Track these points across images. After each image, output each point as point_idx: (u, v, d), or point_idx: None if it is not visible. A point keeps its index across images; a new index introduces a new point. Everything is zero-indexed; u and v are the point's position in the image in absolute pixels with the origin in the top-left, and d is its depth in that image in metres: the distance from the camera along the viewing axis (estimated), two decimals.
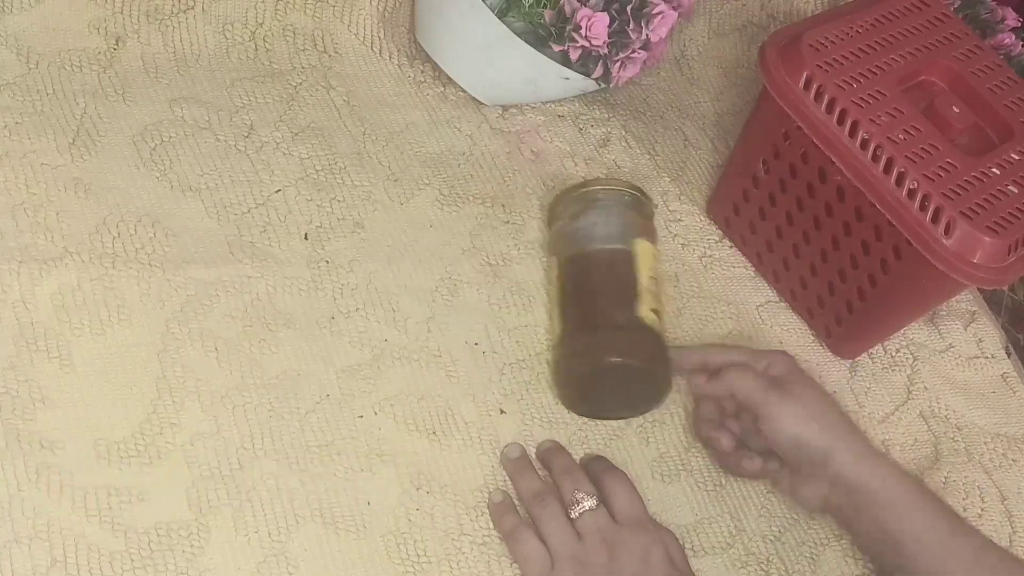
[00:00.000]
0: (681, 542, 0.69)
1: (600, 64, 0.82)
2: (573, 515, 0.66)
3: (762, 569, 0.72)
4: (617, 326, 0.72)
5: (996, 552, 0.67)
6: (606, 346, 0.71)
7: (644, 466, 0.74)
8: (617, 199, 0.77)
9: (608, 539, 0.65)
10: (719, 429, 0.73)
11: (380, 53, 0.88)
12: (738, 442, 0.73)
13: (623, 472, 0.70)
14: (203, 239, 0.74)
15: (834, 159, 0.73)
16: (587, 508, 0.66)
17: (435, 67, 0.87)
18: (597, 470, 0.70)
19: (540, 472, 0.71)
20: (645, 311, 0.72)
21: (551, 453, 0.71)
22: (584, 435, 0.74)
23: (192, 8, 0.84)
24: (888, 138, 0.72)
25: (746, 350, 0.73)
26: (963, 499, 0.80)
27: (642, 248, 0.75)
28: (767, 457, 0.72)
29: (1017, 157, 0.75)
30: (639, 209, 0.78)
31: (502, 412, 0.73)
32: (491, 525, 0.68)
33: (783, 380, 0.70)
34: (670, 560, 0.66)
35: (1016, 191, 0.73)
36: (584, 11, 0.79)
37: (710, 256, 0.87)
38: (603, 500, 0.68)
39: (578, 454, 0.72)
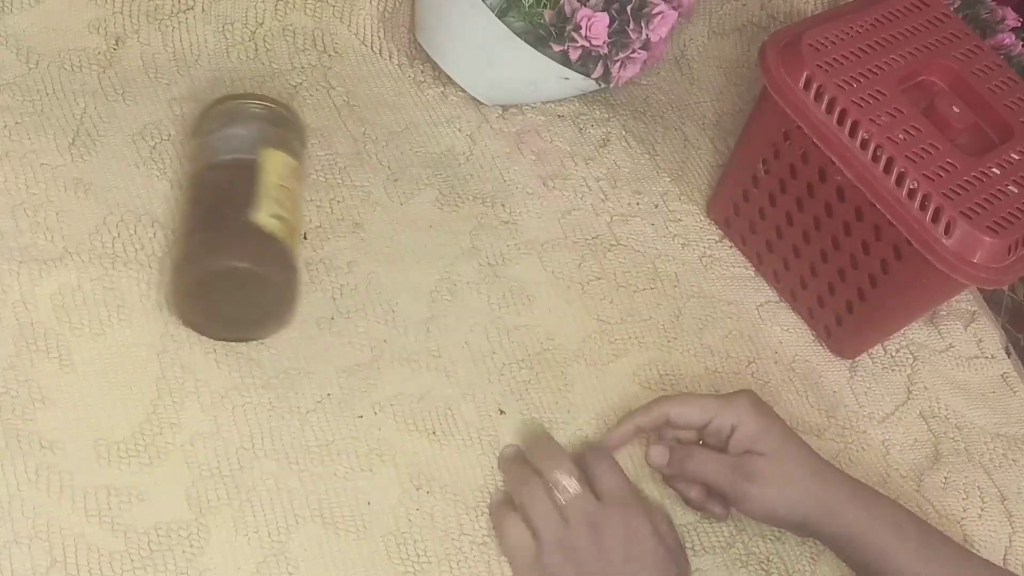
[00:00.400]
0: (669, 515, 0.69)
1: (600, 64, 0.82)
2: (559, 499, 0.66)
3: (762, 568, 0.72)
4: (225, 230, 0.67)
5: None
6: (212, 248, 0.67)
7: (644, 466, 0.74)
8: (250, 112, 0.73)
9: (593, 520, 0.65)
10: (688, 486, 0.72)
11: (380, 53, 0.88)
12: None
13: (606, 450, 0.70)
14: None
15: (834, 159, 0.73)
16: (571, 491, 0.66)
17: (435, 67, 0.87)
18: (582, 452, 0.70)
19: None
20: (264, 217, 0.68)
21: (535, 439, 0.71)
22: (584, 435, 0.74)
23: (192, 8, 0.84)
24: (888, 138, 0.72)
25: (710, 402, 0.70)
26: (963, 499, 0.80)
27: (272, 157, 0.71)
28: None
29: (1017, 157, 0.75)
30: (276, 123, 0.74)
31: (501, 412, 0.73)
32: (491, 525, 0.68)
33: (747, 459, 0.68)
34: (657, 535, 0.65)
35: (1016, 191, 0.73)
36: (584, 11, 0.79)
37: (710, 256, 0.87)
38: (588, 481, 0.67)
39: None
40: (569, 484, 0.66)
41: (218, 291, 0.67)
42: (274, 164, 0.71)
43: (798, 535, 0.71)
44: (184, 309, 0.68)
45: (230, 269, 0.66)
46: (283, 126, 0.74)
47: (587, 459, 0.69)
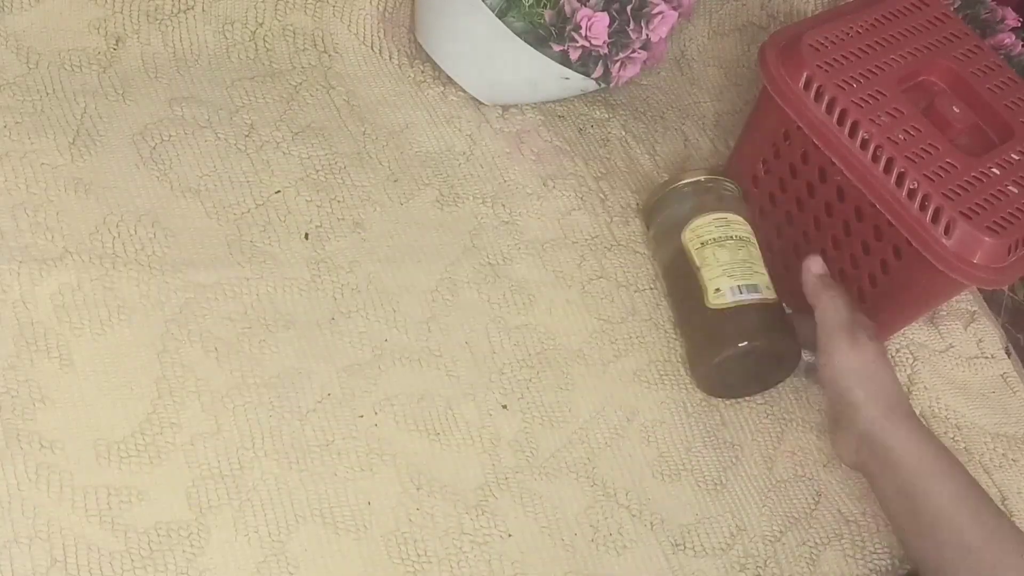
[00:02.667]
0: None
1: (600, 64, 0.82)
2: None
3: (760, 570, 0.72)
4: (700, 326, 0.77)
5: (1015, 531, 0.68)
6: (707, 344, 0.76)
7: (644, 466, 0.74)
8: (675, 195, 0.81)
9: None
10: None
11: (380, 53, 0.88)
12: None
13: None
14: (203, 239, 0.73)
15: (834, 159, 0.73)
16: None
17: (435, 67, 0.87)
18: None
19: None
20: (712, 299, 0.76)
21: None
22: (584, 434, 0.74)
23: (192, 8, 0.84)
24: (888, 138, 0.72)
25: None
26: None
27: (688, 234, 0.78)
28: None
29: (1017, 157, 0.75)
30: (696, 195, 0.80)
31: (504, 407, 0.73)
32: (491, 524, 0.68)
33: (860, 328, 0.71)
34: None
35: (1016, 191, 0.73)
36: (584, 11, 0.79)
37: None
38: None
39: (579, 453, 0.73)
40: None
41: (736, 368, 0.76)
42: (691, 238, 0.78)
43: (845, 458, 0.73)
44: (709, 386, 0.78)
45: (724, 357, 0.76)
46: (704, 194, 0.80)
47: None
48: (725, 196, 0.80)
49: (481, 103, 0.87)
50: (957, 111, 0.76)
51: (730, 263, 0.76)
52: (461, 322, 0.76)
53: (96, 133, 0.76)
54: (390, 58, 0.88)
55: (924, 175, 0.71)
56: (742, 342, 0.75)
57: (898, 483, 0.68)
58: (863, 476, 0.72)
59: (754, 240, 0.79)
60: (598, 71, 0.82)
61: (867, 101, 0.73)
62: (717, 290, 0.76)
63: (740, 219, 0.79)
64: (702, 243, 0.77)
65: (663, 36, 0.83)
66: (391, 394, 0.71)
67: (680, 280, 0.79)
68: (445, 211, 0.81)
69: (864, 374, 0.70)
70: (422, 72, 0.88)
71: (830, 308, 0.72)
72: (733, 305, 0.75)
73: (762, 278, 0.77)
